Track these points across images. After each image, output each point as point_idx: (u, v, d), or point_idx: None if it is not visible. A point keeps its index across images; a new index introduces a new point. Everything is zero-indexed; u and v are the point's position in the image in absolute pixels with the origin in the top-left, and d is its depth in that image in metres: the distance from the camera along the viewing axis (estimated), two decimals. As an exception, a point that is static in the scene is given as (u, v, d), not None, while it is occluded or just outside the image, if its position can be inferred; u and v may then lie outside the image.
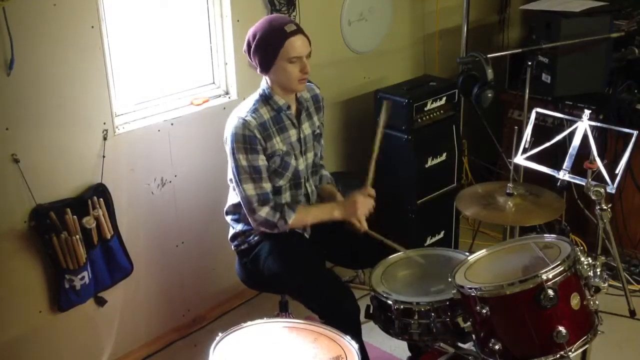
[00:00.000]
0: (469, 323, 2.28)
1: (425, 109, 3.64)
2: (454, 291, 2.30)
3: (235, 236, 2.83)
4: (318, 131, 2.85)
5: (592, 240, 3.47)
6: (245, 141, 2.59)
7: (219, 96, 3.39)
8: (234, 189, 2.72)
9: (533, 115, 3.09)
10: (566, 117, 3.12)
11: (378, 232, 2.72)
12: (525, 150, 3.05)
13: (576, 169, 2.87)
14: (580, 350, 2.18)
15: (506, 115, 4.27)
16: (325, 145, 2.98)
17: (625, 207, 3.75)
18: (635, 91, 3.65)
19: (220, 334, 2.20)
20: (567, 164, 2.90)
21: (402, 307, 2.45)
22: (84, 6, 2.74)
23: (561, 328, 2.12)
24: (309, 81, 2.80)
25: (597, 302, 2.24)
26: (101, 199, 2.86)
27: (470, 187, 3.09)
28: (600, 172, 2.73)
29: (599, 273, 2.28)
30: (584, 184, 2.52)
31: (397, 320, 2.47)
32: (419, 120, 3.61)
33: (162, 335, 3.37)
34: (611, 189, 2.72)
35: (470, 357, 2.60)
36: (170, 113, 3.18)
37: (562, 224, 3.59)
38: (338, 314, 2.48)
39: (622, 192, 3.69)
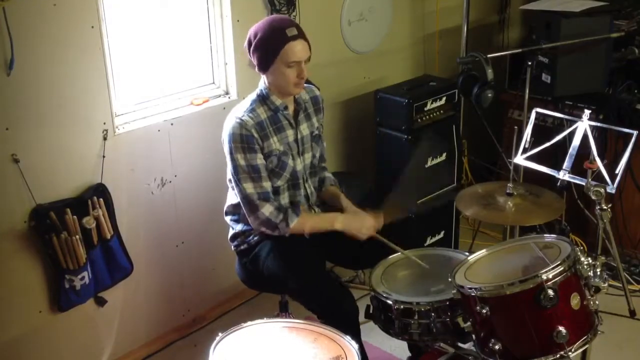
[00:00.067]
0: (469, 323, 2.28)
1: (425, 109, 3.64)
2: (454, 291, 2.30)
3: (235, 236, 2.83)
4: (317, 132, 2.84)
5: (592, 240, 3.47)
6: (242, 141, 2.60)
7: (219, 96, 3.39)
8: (233, 189, 2.72)
9: (533, 115, 3.09)
10: (566, 117, 3.12)
11: (380, 233, 2.72)
12: (525, 150, 3.05)
13: (576, 169, 2.87)
14: (580, 350, 2.18)
15: (506, 115, 4.27)
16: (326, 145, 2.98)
17: (625, 207, 3.75)
18: (635, 91, 3.65)
19: (220, 334, 2.21)
20: (567, 164, 2.90)
21: (402, 307, 2.45)
22: (84, 6, 2.74)
23: (561, 328, 2.12)
24: (310, 82, 2.80)
25: (597, 302, 2.24)
26: (101, 199, 2.86)
27: (470, 187, 3.09)
28: (600, 172, 2.73)
29: (599, 273, 2.28)
30: (584, 184, 2.52)
31: (397, 320, 2.47)
32: (419, 120, 3.61)
33: (162, 335, 3.37)
34: (611, 189, 2.72)
35: (470, 357, 2.60)
36: (170, 113, 3.18)
37: (562, 224, 3.59)
38: (337, 315, 2.48)
39: (622, 192, 3.69)
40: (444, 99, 3.72)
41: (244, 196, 2.63)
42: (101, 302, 3.03)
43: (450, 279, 2.33)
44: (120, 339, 3.18)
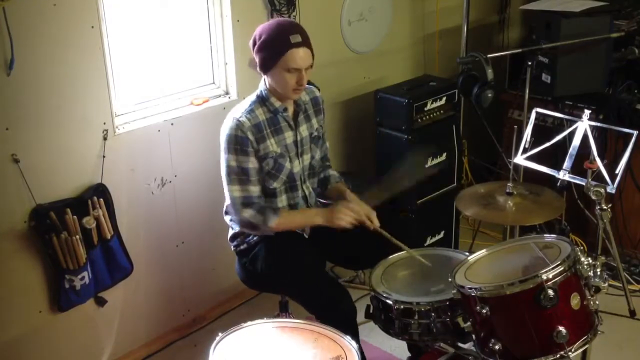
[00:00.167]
0: (469, 323, 2.28)
1: (425, 109, 3.64)
2: (454, 291, 2.30)
3: (234, 236, 2.83)
4: (316, 134, 2.84)
5: (592, 240, 3.47)
6: (236, 142, 2.60)
7: (219, 96, 3.39)
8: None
9: (533, 115, 3.09)
10: (566, 117, 3.12)
11: (386, 230, 2.71)
12: (525, 150, 3.05)
13: (576, 169, 2.87)
14: (580, 350, 2.18)
15: (506, 115, 4.27)
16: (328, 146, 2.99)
17: (625, 207, 3.75)
18: (635, 91, 3.65)
19: (220, 334, 2.21)
20: (567, 164, 2.90)
21: (402, 307, 2.45)
22: (84, 6, 2.74)
23: (561, 328, 2.12)
24: (310, 82, 2.80)
25: (597, 302, 2.24)
26: (101, 199, 2.86)
27: (470, 187, 3.09)
28: (600, 172, 2.73)
29: (599, 273, 2.28)
30: (584, 184, 2.52)
31: (397, 320, 2.47)
32: (419, 120, 3.61)
33: (162, 335, 3.37)
34: (611, 189, 2.72)
35: (470, 357, 2.60)
36: (170, 113, 3.18)
37: (562, 224, 3.59)
38: (335, 315, 2.48)
39: (622, 192, 3.69)
40: (444, 99, 3.72)
41: (230, 197, 2.66)
42: (101, 302, 3.03)
43: (450, 279, 2.33)
44: (120, 339, 3.18)
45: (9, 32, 2.50)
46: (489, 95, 3.36)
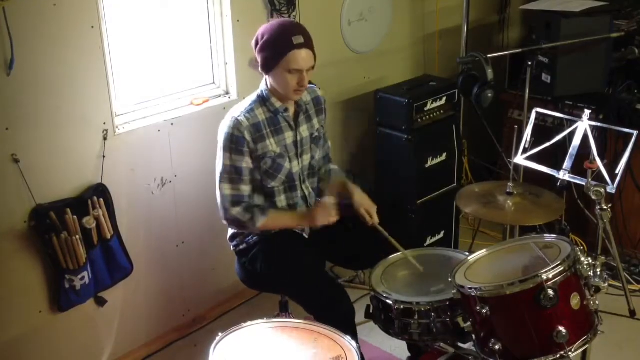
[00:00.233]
0: (469, 323, 2.28)
1: (425, 109, 3.64)
2: (454, 291, 2.30)
3: (234, 236, 2.83)
4: (317, 134, 2.84)
5: (592, 240, 3.47)
6: (232, 141, 2.61)
7: (219, 96, 3.39)
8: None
9: (533, 115, 3.09)
10: (566, 117, 3.13)
11: (385, 229, 2.71)
12: (525, 150, 3.05)
13: (576, 169, 2.87)
14: (580, 350, 2.19)
15: (506, 115, 4.27)
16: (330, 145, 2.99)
17: (625, 207, 3.75)
18: (635, 91, 3.65)
19: (220, 334, 2.21)
20: (567, 164, 2.90)
21: (402, 307, 2.45)
22: (84, 6, 2.74)
23: (561, 328, 2.12)
24: (310, 82, 2.80)
25: (597, 302, 2.24)
26: (101, 199, 2.86)
27: (471, 185, 3.09)
28: (600, 172, 2.73)
29: (599, 273, 2.28)
30: (584, 184, 2.52)
31: (397, 320, 2.47)
32: (419, 120, 3.61)
33: (162, 335, 3.37)
34: (611, 189, 2.72)
35: (470, 357, 2.60)
36: (170, 113, 3.18)
37: (562, 224, 3.59)
38: (333, 315, 2.47)
39: (622, 192, 3.69)
40: (444, 99, 3.72)
41: (220, 195, 2.68)
42: (101, 302, 3.03)
43: (450, 279, 2.33)
44: (120, 339, 3.18)
45: (9, 32, 2.50)
46: (489, 95, 3.36)
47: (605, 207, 2.38)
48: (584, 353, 2.43)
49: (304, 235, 2.82)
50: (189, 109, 3.25)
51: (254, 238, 2.76)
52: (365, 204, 2.72)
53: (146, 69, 3.15)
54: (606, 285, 2.28)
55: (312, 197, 2.86)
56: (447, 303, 2.41)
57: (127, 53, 3.05)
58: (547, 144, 3.00)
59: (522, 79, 3.67)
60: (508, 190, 2.87)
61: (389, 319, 2.50)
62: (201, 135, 3.25)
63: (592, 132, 2.84)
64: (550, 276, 2.12)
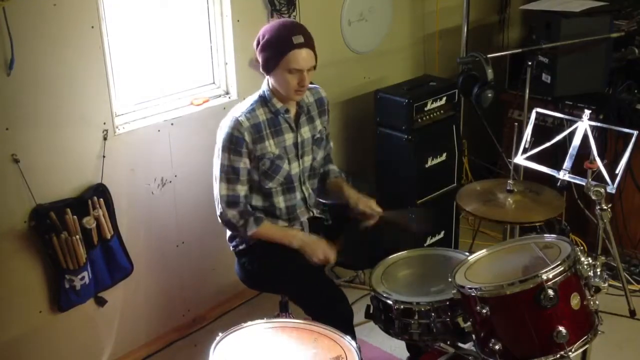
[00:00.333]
0: (469, 323, 2.28)
1: (425, 109, 3.64)
2: (454, 291, 2.30)
3: (233, 236, 2.83)
4: (318, 135, 2.84)
5: (592, 240, 3.47)
6: (231, 141, 2.61)
7: (219, 96, 3.39)
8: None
9: (533, 115, 3.09)
10: (566, 117, 3.12)
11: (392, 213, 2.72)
12: (525, 150, 3.05)
13: (576, 169, 2.87)
14: (580, 350, 2.19)
15: (506, 115, 4.27)
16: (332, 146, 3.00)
17: (625, 207, 3.75)
18: (635, 91, 3.65)
19: (220, 334, 2.21)
20: (567, 164, 2.90)
21: (402, 307, 2.45)
22: (84, 6, 2.74)
23: (561, 328, 2.12)
24: (313, 83, 2.79)
25: (597, 302, 2.24)
26: (101, 199, 2.86)
27: (471, 184, 3.10)
28: (600, 172, 2.73)
29: (599, 273, 2.29)
30: (584, 184, 2.52)
31: (397, 320, 2.47)
32: (419, 120, 3.61)
33: (162, 335, 3.37)
34: (611, 189, 2.72)
35: (470, 357, 2.60)
36: (170, 113, 3.18)
37: (562, 223, 3.59)
38: (332, 316, 2.47)
39: (622, 192, 3.69)
40: (444, 99, 3.72)
41: (217, 194, 2.69)
42: (101, 302, 3.03)
43: (450, 279, 2.33)
44: (120, 339, 3.18)
45: (9, 32, 2.50)
46: (489, 95, 3.36)
47: (605, 207, 2.39)
48: (584, 353, 2.43)
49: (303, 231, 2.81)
50: (189, 109, 3.25)
51: (254, 238, 2.76)
52: (363, 201, 2.72)
53: (146, 69, 3.15)
54: (606, 285, 2.29)
55: (312, 199, 2.86)
56: (447, 303, 2.41)
57: (127, 53, 3.05)
58: (547, 144, 3.00)
59: (522, 79, 3.67)
60: (508, 188, 2.88)
61: (389, 319, 2.50)
62: (201, 135, 3.25)
63: (592, 132, 2.84)
64: (550, 276, 2.12)
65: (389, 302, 2.47)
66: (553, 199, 2.87)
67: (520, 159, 3.05)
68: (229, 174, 2.65)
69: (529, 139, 3.04)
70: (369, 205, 2.70)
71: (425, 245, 3.72)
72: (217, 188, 2.69)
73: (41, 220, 2.72)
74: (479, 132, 4.10)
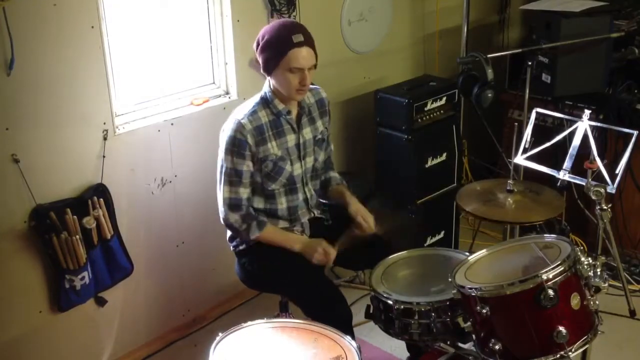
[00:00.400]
0: (469, 323, 2.28)
1: (425, 109, 3.64)
2: (454, 291, 2.30)
3: (233, 236, 2.82)
4: (320, 136, 2.83)
5: (592, 240, 3.47)
6: (234, 144, 2.61)
7: (219, 96, 3.39)
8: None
9: (533, 115, 3.09)
10: (566, 117, 3.12)
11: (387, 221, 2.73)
12: (525, 150, 3.05)
13: (576, 169, 2.87)
14: (581, 350, 2.19)
15: (506, 115, 4.27)
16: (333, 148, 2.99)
17: (625, 207, 3.75)
18: (635, 91, 3.65)
19: (220, 334, 2.21)
20: (567, 164, 2.90)
21: (402, 307, 2.45)
22: (84, 6, 2.74)
23: (561, 328, 2.12)
24: (313, 84, 2.79)
25: (597, 302, 2.24)
26: (101, 199, 2.86)
27: (471, 184, 3.10)
28: (600, 172, 2.73)
29: (599, 273, 2.28)
30: (584, 184, 2.52)
31: (397, 320, 2.47)
32: (419, 120, 3.61)
33: (162, 335, 3.37)
34: (611, 189, 2.72)
35: (470, 357, 2.60)
36: (170, 113, 3.18)
37: (562, 224, 3.59)
38: (331, 316, 2.46)
39: (622, 192, 3.69)
40: (444, 99, 3.72)
41: (220, 197, 2.69)
42: (101, 302, 3.03)
43: (450, 279, 2.33)
44: (120, 339, 3.18)
45: (9, 32, 2.50)
46: (489, 95, 3.36)
47: (605, 207, 2.39)
48: (584, 353, 2.43)
49: (304, 236, 2.81)
50: (189, 109, 3.25)
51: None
52: (361, 213, 2.72)
53: (146, 69, 3.15)
54: (606, 285, 2.28)
55: (314, 200, 2.86)
56: (447, 303, 2.41)
57: (127, 53, 3.05)
58: (547, 144, 3.00)
59: (522, 79, 3.68)
60: (508, 188, 2.88)
61: (389, 319, 2.50)
62: (201, 135, 3.25)
63: (592, 132, 2.84)
64: (550, 276, 2.12)
65: (389, 302, 2.47)
66: (553, 199, 2.87)
67: (520, 159, 3.05)
68: (232, 177, 2.64)
69: (529, 139, 3.04)
70: (366, 220, 2.70)
71: (425, 245, 3.72)
72: (219, 191, 2.68)
73: (41, 220, 2.72)
74: (479, 132, 4.10)
